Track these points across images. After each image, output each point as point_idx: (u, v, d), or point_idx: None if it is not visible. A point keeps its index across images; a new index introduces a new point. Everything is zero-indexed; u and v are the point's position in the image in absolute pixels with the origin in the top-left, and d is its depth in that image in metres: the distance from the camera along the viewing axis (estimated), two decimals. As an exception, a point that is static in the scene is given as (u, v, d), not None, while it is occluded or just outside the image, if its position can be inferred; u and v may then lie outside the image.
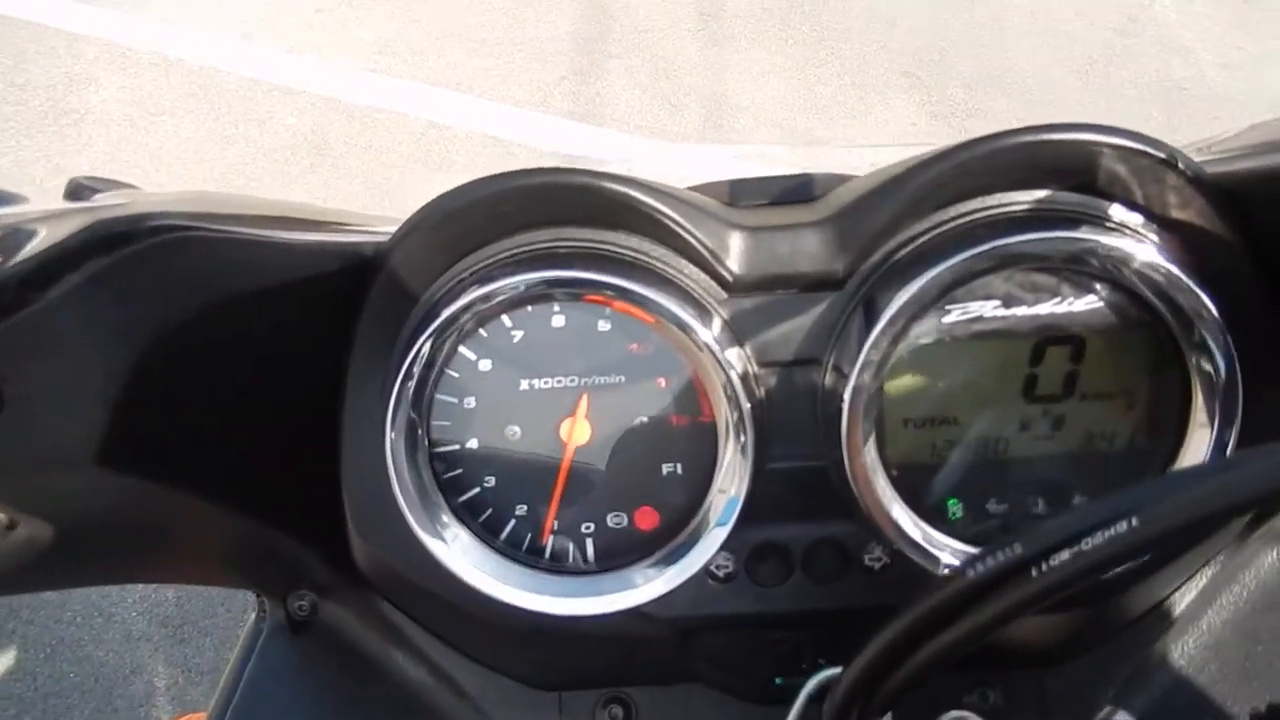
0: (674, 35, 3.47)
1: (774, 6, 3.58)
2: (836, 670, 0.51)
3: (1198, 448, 0.52)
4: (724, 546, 0.56)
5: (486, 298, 0.51)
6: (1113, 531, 0.37)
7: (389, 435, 0.54)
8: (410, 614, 0.70)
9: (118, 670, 2.47)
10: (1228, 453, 0.52)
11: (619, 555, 0.57)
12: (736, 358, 0.53)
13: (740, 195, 0.57)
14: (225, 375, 0.52)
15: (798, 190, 0.57)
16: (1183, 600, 0.62)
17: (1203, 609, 0.61)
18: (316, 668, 0.74)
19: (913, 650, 0.45)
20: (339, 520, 0.65)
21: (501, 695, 0.70)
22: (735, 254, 0.53)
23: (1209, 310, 0.49)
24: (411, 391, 0.54)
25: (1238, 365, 0.50)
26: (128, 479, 0.47)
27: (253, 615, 0.80)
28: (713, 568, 0.57)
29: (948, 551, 0.54)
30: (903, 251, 0.52)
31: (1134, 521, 0.37)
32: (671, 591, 0.55)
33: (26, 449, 0.45)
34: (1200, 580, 0.62)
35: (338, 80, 3.27)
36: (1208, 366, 0.51)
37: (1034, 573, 0.40)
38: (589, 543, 0.57)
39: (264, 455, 0.57)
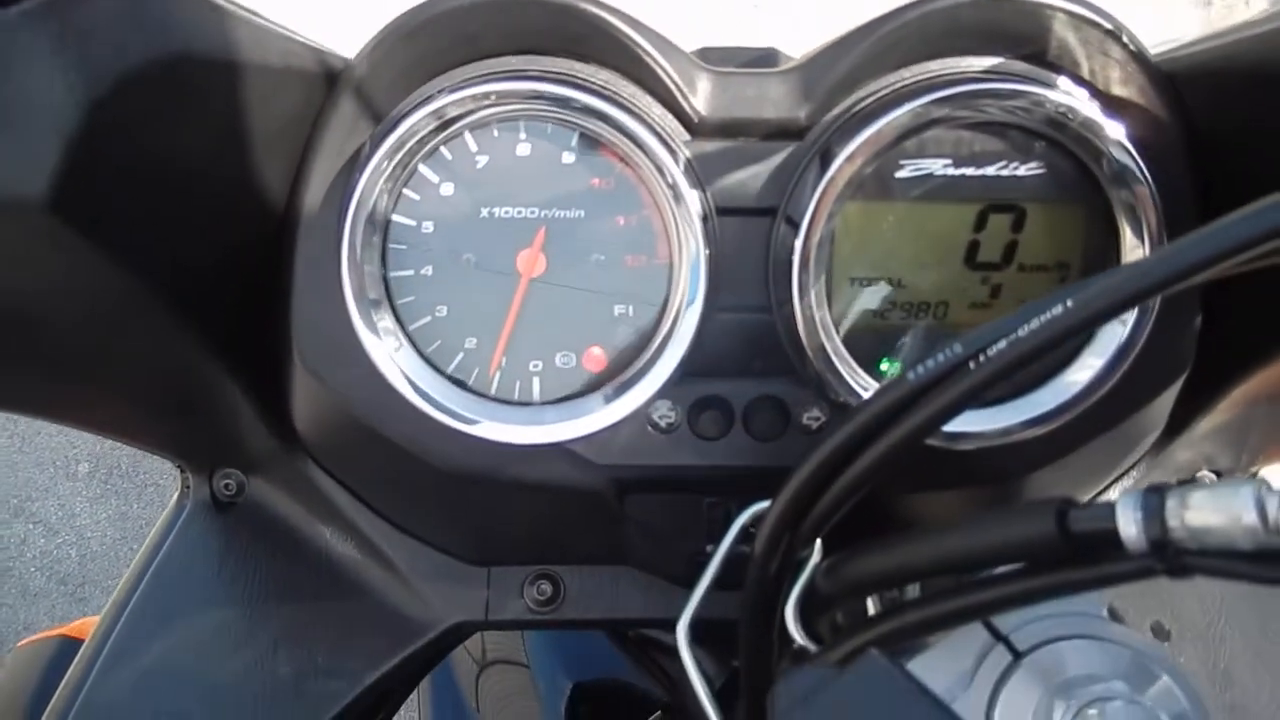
0: None
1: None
2: (765, 504, 0.52)
3: (1115, 331, 0.55)
4: (667, 395, 0.57)
5: (450, 109, 0.52)
6: (1047, 315, 0.39)
7: (344, 253, 0.54)
8: (343, 480, 0.69)
9: (9, 626, 2.37)
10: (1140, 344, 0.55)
11: (565, 397, 0.57)
12: (696, 200, 0.54)
13: (708, 59, 0.59)
14: (181, 153, 0.51)
15: (765, 59, 0.59)
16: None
17: None
18: (238, 548, 0.72)
19: (842, 471, 0.46)
20: (277, 372, 0.64)
21: (431, 569, 0.69)
22: (702, 94, 0.55)
23: (1144, 177, 0.52)
24: (369, 209, 0.54)
25: (1166, 239, 0.53)
26: (70, 236, 0.46)
27: (172, 499, 0.78)
28: (655, 417, 0.57)
29: (883, 409, 0.56)
30: (862, 104, 0.54)
31: (1067, 303, 0.39)
32: (613, 428, 0.56)
33: None
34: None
35: None
36: (1137, 240, 0.54)
37: (971, 365, 0.42)
38: (536, 381, 0.57)
39: (211, 259, 0.56)
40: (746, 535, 0.53)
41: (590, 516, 0.62)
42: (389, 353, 0.55)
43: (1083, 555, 0.38)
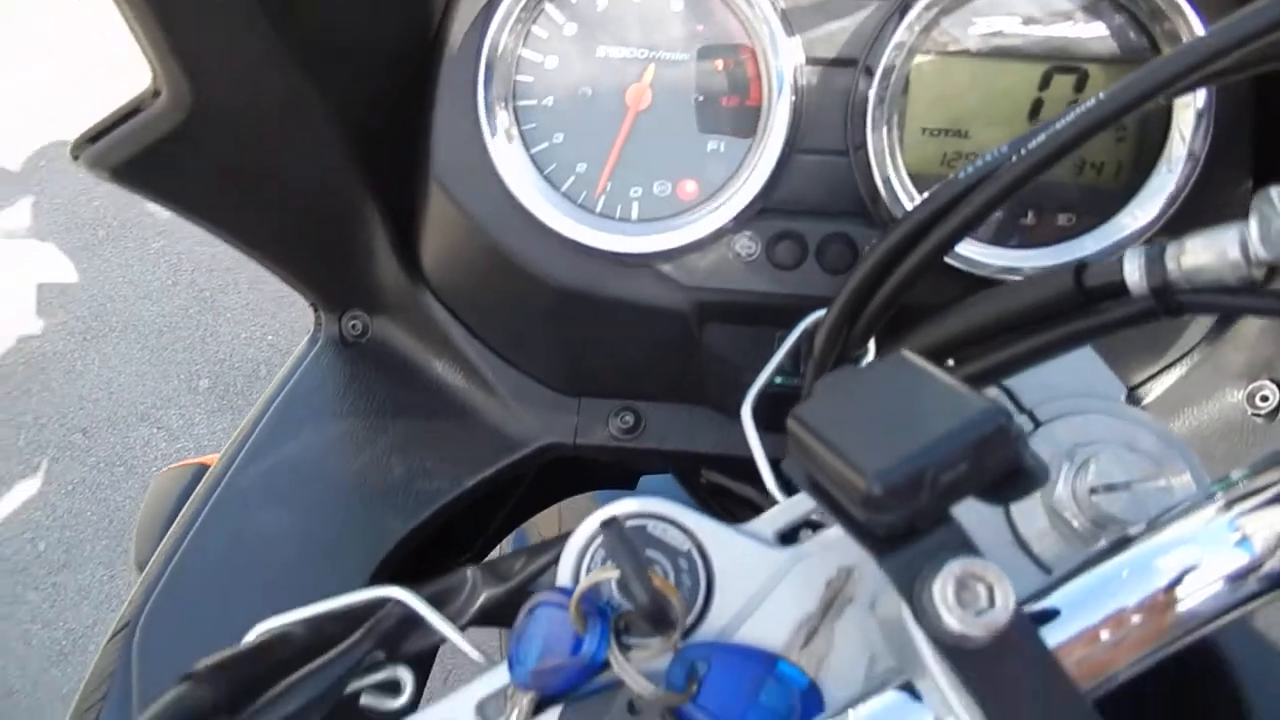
0: None
1: None
2: (822, 312, 0.59)
3: (1165, 181, 0.60)
4: (748, 227, 0.64)
5: None
6: (1082, 109, 0.45)
7: (480, 82, 0.64)
8: (459, 313, 0.78)
9: (131, 516, 2.55)
10: (1186, 194, 0.60)
11: (659, 218, 0.65)
12: (789, 48, 0.61)
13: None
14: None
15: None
16: None
17: None
18: (361, 377, 0.83)
19: (899, 265, 0.53)
20: (411, 210, 0.73)
21: (529, 395, 0.78)
22: None
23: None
24: (501, 45, 0.63)
25: (1213, 107, 0.58)
26: (265, 25, 0.55)
27: (304, 340, 0.89)
28: (737, 247, 0.65)
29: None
30: None
31: (1099, 96, 0.45)
32: (698, 253, 0.64)
33: None
34: None
35: None
36: (1190, 107, 0.59)
37: (1014, 158, 0.48)
38: (635, 205, 0.65)
39: (366, 80, 0.65)
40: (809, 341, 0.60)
41: (673, 347, 0.70)
42: (514, 170, 0.64)
43: (1096, 307, 0.44)
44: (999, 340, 0.48)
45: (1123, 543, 0.39)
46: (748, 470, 0.55)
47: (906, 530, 0.35)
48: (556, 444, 0.77)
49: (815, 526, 0.51)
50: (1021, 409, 0.50)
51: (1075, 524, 0.45)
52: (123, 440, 2.59)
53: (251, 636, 0.52)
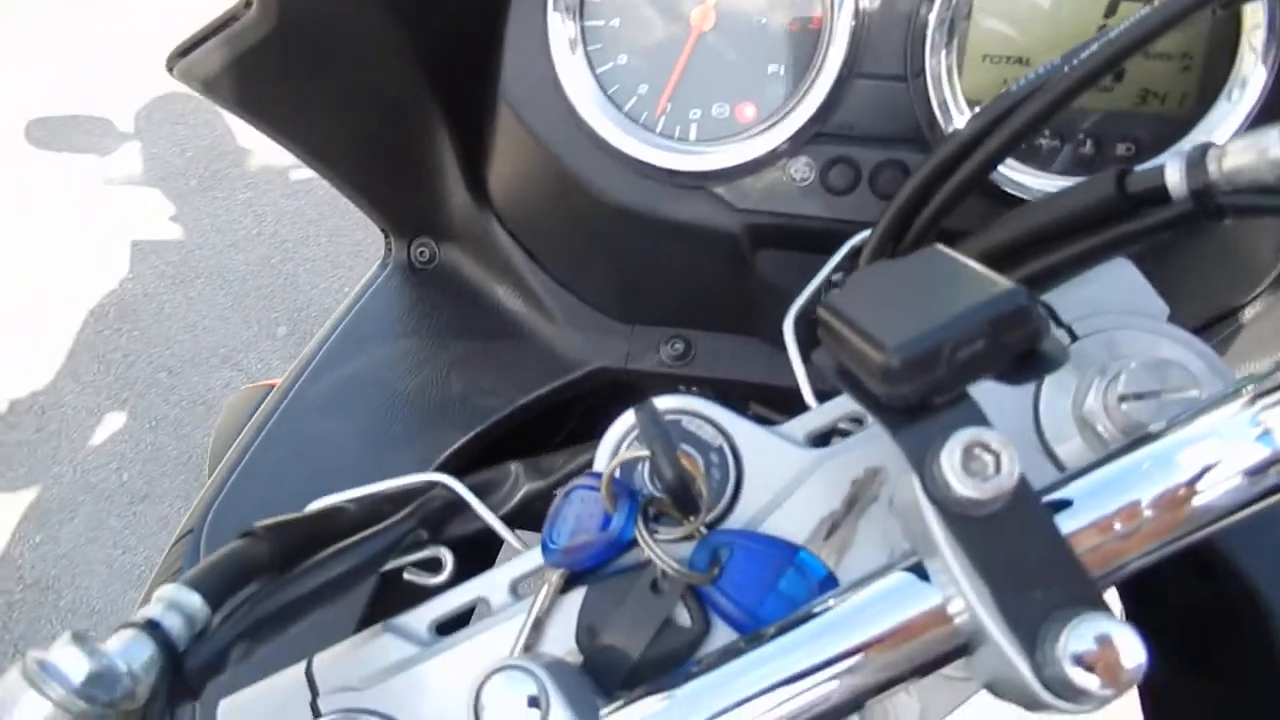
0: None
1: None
2: (868, 232, 0.59)
3: (1228, 109, 0.59)
4: (803, 152, 0.65)
5: None
6: (1137, 15, 0.45)
7: (549, 3, 0.65)
8: (521, 239, 0.81)
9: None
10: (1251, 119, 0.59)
11: (716, 138, 0.67)
12: None
13: None
14: None
15: None
16: None
17: None
18: (426, 300, 0.86)
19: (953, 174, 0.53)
20: (479, 135, 0.76)
21: (585, 320, 0.80)
22: None
23: None
24: None
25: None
26: None
27: (374, 267, 0.93)
28: (791, 171, 0.66)
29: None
30: None
31: (1154, 2, 0.45)
32: (753, 175, 0.65)
33: None
34: None
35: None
36: (1258, 30, 0.58)
37: (1066, 69, 0.48)
38: (694, 127, 0.67)
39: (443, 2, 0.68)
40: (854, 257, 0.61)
41: (725, 272, 0.71)
42: (579, 90, 0.66)
43: (1138, 213, 0.44)
44: (1040, 249, 0.48)
45: (1143, 439, 0.39)
46: (796, 406, 0.56)
47: (923, 405, 0.36)
48: (608, 368, 0.79)
49: (847, 436, 0.52)
50: (1060, 323, 0.50)
51: (1104, 434, 0.46)
52: (204, 380, 2.70)
53: (309, 509, 0.55)
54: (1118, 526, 0.37)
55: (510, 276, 0.84)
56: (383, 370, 0.82)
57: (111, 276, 2.97)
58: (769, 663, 0.39)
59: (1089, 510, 0.38)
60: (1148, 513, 0.37)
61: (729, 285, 0.72)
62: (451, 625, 0.52)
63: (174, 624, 0.41)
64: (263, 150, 3.26)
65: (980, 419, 0.35)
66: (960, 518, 0.35)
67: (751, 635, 0.41)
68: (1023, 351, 0.36)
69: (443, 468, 0.75)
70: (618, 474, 0.48)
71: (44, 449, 2.58)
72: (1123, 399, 0.44)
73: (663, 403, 0.52)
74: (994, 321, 0.35)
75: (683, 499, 0.46)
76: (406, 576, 0.55)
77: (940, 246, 0.41)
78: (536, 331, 0.82)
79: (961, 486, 0.34)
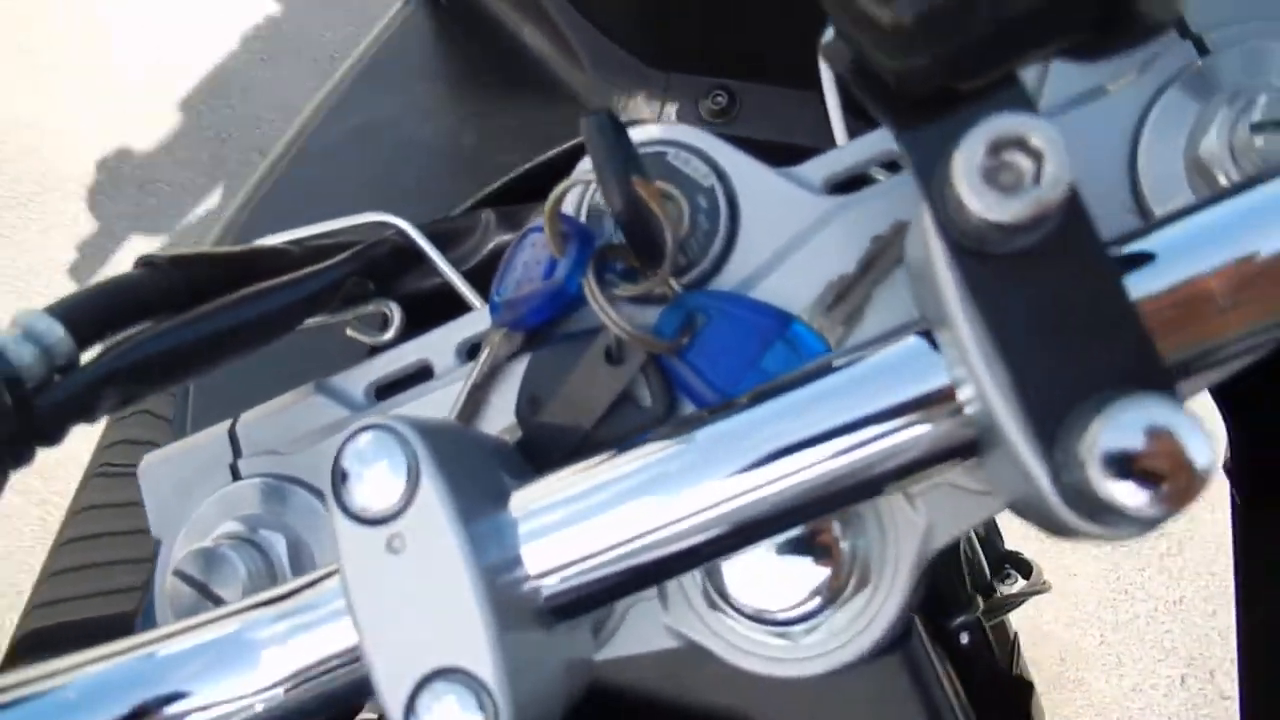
0: None
1: None
2: None
3: None
4: None
5: None
6: None
7: None
8: None
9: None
10: None
11: None
12: None
13: None
14: None
15: None
16: None
17: None
18: (447, 38, 0.76)
19: None
20: None
21: (616, 67, 0.69)
22: None
23: None
24: None
25: None
26: None
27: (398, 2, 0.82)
28: None
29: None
30: None
31: None
32: None
33: None
34: None
35: None
36: None
37: None
38: None
39: None
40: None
41: None
42: None
43: None
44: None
45: (1254, 180, 0.27)
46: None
47: (947, 89, 0.25)
48: (640, 122, 0.68)
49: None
50: (1186, 33, 0.36)
51: (1225, 181, 0.33)
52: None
53: (239, 247, 0.48)
54: (1211, 290, 0.26)
55: (536, 13, 0.73)
56: (398, 118, 0.74)
57: (202, 51, 2.93)
58: (733, 440, 0.29)
59: (1176, 268, 0.26)
60: (1257, 277, 0.26)
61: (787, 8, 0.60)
62: (392, 390, 0.44)
63: (23, 354, 0.34)
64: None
65: (1026, 106, 0.24)
66: (976, 254, 0.24)
67: (717, 406, 0.31)
68: (1101, 15, 0.23)
69: None
70: (569, 210, 0.38)
71: (144, 223, 2.63)
72: (1257, 128, 0.32)
73: (641, 132, 0.41)
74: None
75: (641, 242, 0.35)
76: (349, 333, 0.48)
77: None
78: (561, 79, 0.72)
79: (979, 202, 0.22)
